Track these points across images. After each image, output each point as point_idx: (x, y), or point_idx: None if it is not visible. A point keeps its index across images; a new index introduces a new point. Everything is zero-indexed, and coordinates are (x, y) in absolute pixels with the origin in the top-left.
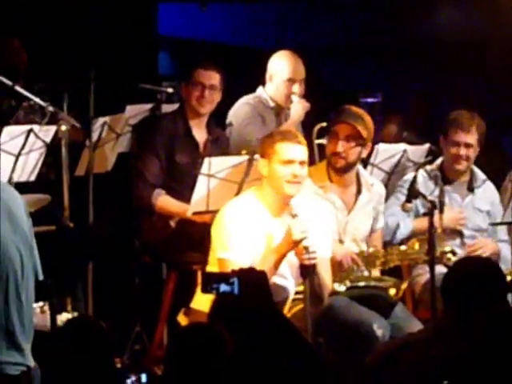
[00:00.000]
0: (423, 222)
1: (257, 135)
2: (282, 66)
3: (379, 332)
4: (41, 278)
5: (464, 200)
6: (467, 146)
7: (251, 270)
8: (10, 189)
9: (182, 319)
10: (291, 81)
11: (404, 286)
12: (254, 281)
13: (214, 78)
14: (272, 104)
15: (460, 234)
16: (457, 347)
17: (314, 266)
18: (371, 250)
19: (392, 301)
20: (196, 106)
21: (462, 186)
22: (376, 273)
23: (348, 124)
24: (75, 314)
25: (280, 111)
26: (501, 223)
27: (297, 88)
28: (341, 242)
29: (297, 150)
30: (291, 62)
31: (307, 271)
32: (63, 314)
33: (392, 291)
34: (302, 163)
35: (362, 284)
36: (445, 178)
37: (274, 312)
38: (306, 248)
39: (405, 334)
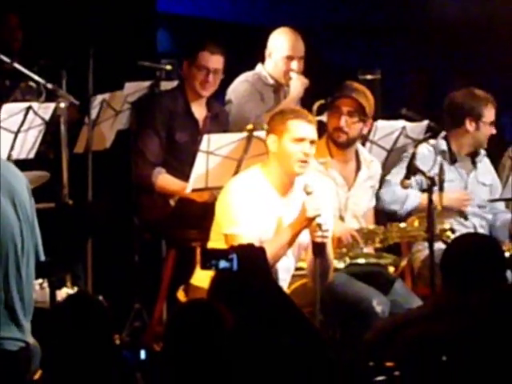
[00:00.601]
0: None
1: (256, 112)
2: (280, 43)
3: (378, 308)
4: (42, 258)
5: (469, 175)
6: (493, 124)
7: (250, 246)
8: (12, 168)
9: (182, 296)
10: (290, 58)
11: (403, 263)
12: (252, 257)
13: (218, 62)
14: (271, 81)
15: (462, 212)
16: (456, 324)
17: (325, 245)
18: (371, 227)
19: (391, 277)
20: (199, 89)
21: (467, 160)
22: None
23: (351, 98)
24: (75, 288)
25: (279, 88)
26: (500, 199)
27: (295, 65)
28: (341, 218)
29: (309, 129)
30: (290, 38)
31: (319, 249)
32: (63, 289)
33: (391, 268)
34: (312, 142)
35: (361, 261)
36: (450, 153)
37: (273, 288)
38: (319, 225)
39: (404, 310)
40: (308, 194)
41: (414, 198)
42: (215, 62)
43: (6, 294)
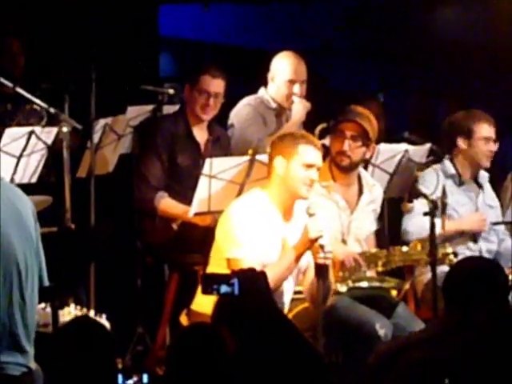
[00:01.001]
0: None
1: (258, 136)
2: (283, 67)
3: (381, 332)
4: (46, 283)
5: (478, 198)
6: (494, 141)
7: (251, 270)
8: (19, 191)
9: (184, 320)
10: (292, 81)
11: (406, 286)
12: (253, 281)
13: (220, 86)
14: (274, 105)
15: (473, 234)
16: (458, 347)
17: (327, 266)
18: (373, 250)
19: (394, 301)
20: (199, 113)
21: (472, 183)
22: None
23: (355, 123)
24: (78, 307)
25: (281, 112)
26: (502, 223)
27: (298, 89)
28: (344, 241)
29: (318, 156)
30: (293, 62)
31: (321, 271)
32: (65, 309)
33: (394, 292)
34: (318, 169)
35: (364, 284)
36: (459, 176)
37: (275, 312)
38: (321, 247)
39: (407, 333)
40: (310, 215)
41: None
42: (216, 85)
43: (9, 318)
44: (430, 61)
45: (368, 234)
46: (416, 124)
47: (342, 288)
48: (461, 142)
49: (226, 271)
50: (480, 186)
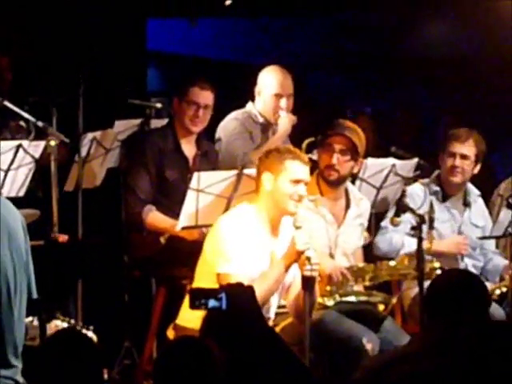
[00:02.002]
0: (439, 246)
1: (244, 150)
2: (269, 81)
3: (368, 346)
4: (35, 296)
5: (463, 216)
6: (463, 157)
7: (239, 285)
8: (9, 205)
9: (171, 334)
10: (278, 95)
11: (393, 301)
12: (241, 296)
13: (209, 97)
14: (261, 119)
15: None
16: (443, 360)
17: (314, 279)
18: (361, 264)
19: (381, 315)
20: (189, 125)
21: (459, 201)
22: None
23: (344, 137)
24: (66, 319)
25: (268, 127)
26: (489, 237)
27: (284, 103)
28: (331, 255)
29: (305, 171)
30: (279, 76)
31: (308, 283)
32: (52, 322)
33: (381, 306)
34: (306, 184)
35: (351, 299)
36: (443, 193)
37: (263, 327)
38: (308, 259)
39: (394, 347)
40: (297, 228)
41: (409, 245)
42: (206, 97)
43: None
44: (415, 76)
45: (355, 248)
46: (404, 138)
47: (330, 302)
48: (440, 157)
49: (213, 285)
50: (466, 204)
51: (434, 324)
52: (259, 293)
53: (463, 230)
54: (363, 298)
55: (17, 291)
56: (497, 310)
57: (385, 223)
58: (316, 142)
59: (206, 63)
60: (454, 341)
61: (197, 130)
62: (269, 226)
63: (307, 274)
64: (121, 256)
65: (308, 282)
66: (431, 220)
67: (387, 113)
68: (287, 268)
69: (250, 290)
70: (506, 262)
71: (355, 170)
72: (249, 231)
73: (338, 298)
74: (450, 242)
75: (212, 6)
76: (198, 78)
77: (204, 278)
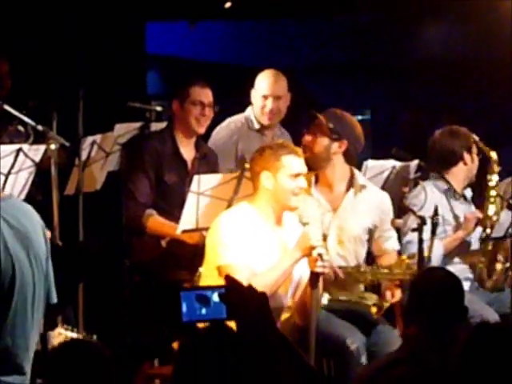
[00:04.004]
0: (453, 242)
1: (223, 164)
2: (260, 84)
3: (353, 346)
4: (54, 301)
5: (471, 210)
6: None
7: (249, 288)
8: (28, 209)
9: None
10: (265, 97)
11: (387, 304)
12: (253, 301)
13: (210, 95)
14: (257, 126)
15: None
16: (431, 363)
17: (323, 275)
18: (354, 264)
19: (374, 319)
20: (195, 125)
21: (461, 198)
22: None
23: (313, 116)
24: (68, 327)
25: (264, 132)
26: (490, 238)
27: (269, 103)
28: (324, 239)
29: (302, 163)
30: (267, 79)
31: (316, 280)
32: (56, 330)
33: (374, 309)
34: (304, 176)
35: (343, 298)
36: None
37: (276, 337)
38: (320, 255)
39: (386, 350)
40: (304, 224)
41: (438, 248)
42: (208, 95)
43: (12, 340)
44: (419, 77)
45: (354, 234)
46: (407, 140)
47: (324, 300)
48: (466, 157)
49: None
50: (466, 199)
51: (418, 327)
52: (266, 282)
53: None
54: (356, 299)
55: (35, 300)
56: (490, 313)
57: (409, 238)
58: None
59: (205, 66)
60: (440, 342)
61: (202, 130)
62: (273, 218)
63: (319, 270)
64: (122, 260)
65: (316, 279)
66: (434, 226)
67: (388, 115)
68: (297, 260)
69: (262, 295)
70: None
71: (333, 150)
72: (248, 225)
73: (328, 295)
74: (464, 225)
75: (211, 9)
76: (196, 78)
77: (209, 278)
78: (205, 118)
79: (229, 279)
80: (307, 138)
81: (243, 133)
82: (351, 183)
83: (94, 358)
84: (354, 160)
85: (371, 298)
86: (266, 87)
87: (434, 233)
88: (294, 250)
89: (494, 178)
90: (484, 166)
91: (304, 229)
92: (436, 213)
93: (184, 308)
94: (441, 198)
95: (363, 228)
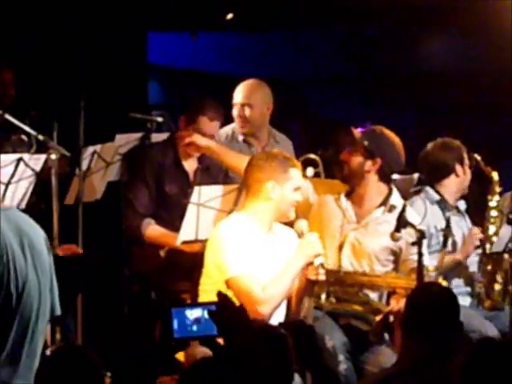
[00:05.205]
0: (451, 263)
1: None
2: (234, 93)
3: (329, 344)
4: (58, 313)
5: (465, 221)
6: None
7: (239, 307)
8: (31, 221)
9: (179, 354)
10: (235, 104)
11: (377, 318)
12: (241, 319)
13: (216, 128)
14: (240, 137)
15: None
16: (427, 377)
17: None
18: (346, 269)
19: (372, 339)
20: (192, 151)
21: (454, 209)
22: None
23: (349, 134)
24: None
25: (252, 141)
26: (491, 253)
27: (236, 110)
28: (340, 249)
29: (302, 177)
30: (239, 87)
31: (312, 288)
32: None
33: (377, 317)
34: (340, 187)
35: (345, 307)
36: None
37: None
38: (322, 265)
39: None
40: (301, 235)
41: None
42: (213, 128)
43: (18, 352)
44: (415, 91)
45: (371, 252)
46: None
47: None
48: (458, 169)
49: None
50: (460, 212)
51: (413, 341)
52: (278, 291)
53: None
54: (357, 309)
55: (40, 313)
56: (490, 328)
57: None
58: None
59: (206, 77)
60: (435, 356)
61: (196, 155)
62: (267, 226)
63: (321, 278)
64: (121, 270)
65: (313, 287)
66: (446, 238)
67: (388, 127)
68: (302, 268)
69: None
70: None
71: (367, 168)
72: (247, 233)
73: (323, 297)
74: (467, 242)
75: (213, 20)
76: (209, 106)
77: (208, 292)
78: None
79: (221, 296)
80: (344, 155)
81: (228, 144)
82: (385, 201)
83: (81, 364)
84: (388, 179)
85: (372, 316)
86: (235, 95)
87: (444, 245)
88: (298, 257)
89: (494, 199)
90: (482, 181)
91: (309, 236)
92: (448, 225)
93: (175, 325)
94: (433, 209)
95: (382, 247)
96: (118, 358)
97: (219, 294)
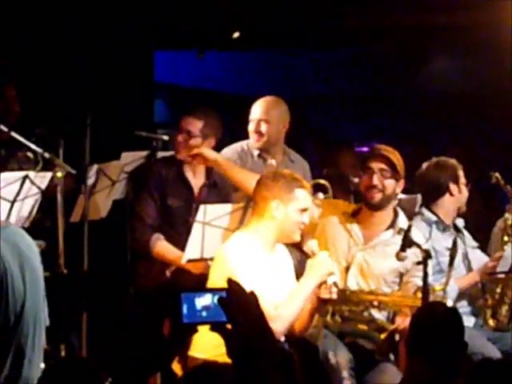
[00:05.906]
0: (467, 280)
1: None
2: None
3: (333, 360)
4: (47, 323)
5: (464, 241)
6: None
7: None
8: (25, 236)
9: (177, 368)
10: (251, 120)
11: (382, 336)
12: (252, 308)
13: (195, 124)
14: (256, 152)
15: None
16: None
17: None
18: (352, 288)
19: (377, 358)
20: (176, 150)
21: (451, 229)
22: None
23: (382, 156)
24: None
25: (266, 157)
26: (496, 273)
27: (252, 125)
28: (347, 270)
29: (310, 199)
30: (256, 103)
31: (324, 306)
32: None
33: (382, 335)
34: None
35: (351, 326)
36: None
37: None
38: (335, 284)
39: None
40: (313, 254)
41: (452, 292)
42: (190, 123)
43: (16, 370)
44: (421, 110)
45: (378, 273)
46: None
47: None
48: (452, 188)
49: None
50: (458, 230)
51: (419, 361)
52: (291, 313)
53: (471, 254)
54: (363, 328)
55: (36, 330)
56: (492, 350)
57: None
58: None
59: (212, 95)
60: (440, 378)
61: (179, 156)
62: (270, 246)
63: (334, 296)
64: (126, 287)
65: (325, 305)
66: (452, 258)
67: (394, 147)
68: (315, 287)
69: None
70: None
71: (398, 191)
72: (251, 252)
73: (333, 317)
74: (481, 269)
75: (219, 39)
76: (203, 108)
77: None
78: (187, 146)
79: (232, 283)
80: (376, 179)
81: (243, 157)
82: (393, 223)
83: (81, 373)
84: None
85: (377, 335)
86: (252, 110)
87: (451, 264)
88: (311, 277)
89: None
90: (489, 200)
91: (320, 256)
92: (454, 245)
93: (184, 310)
94: (429, 231)
95: (390, 269)
96: (123, 375)
97: (229, 280)
